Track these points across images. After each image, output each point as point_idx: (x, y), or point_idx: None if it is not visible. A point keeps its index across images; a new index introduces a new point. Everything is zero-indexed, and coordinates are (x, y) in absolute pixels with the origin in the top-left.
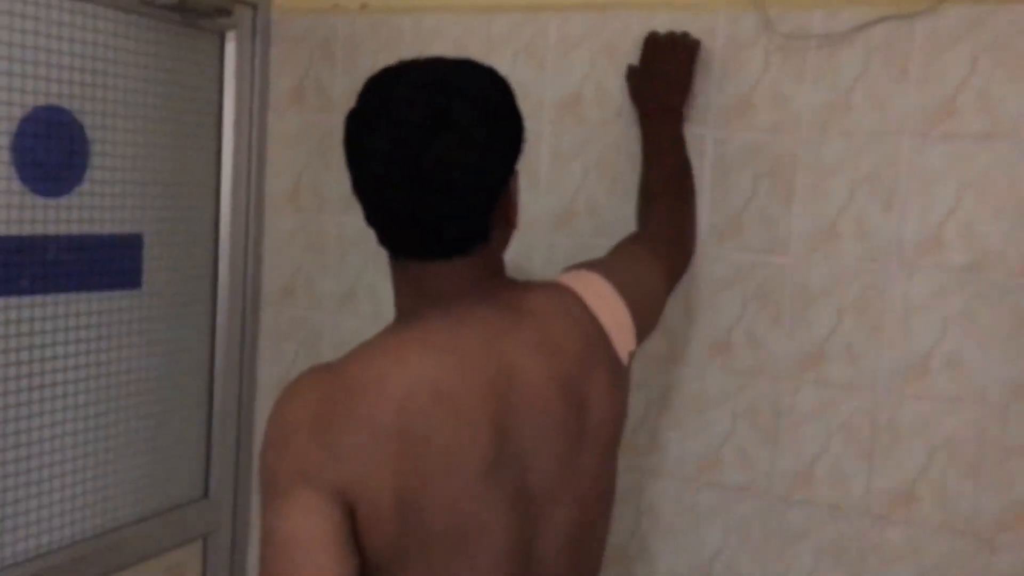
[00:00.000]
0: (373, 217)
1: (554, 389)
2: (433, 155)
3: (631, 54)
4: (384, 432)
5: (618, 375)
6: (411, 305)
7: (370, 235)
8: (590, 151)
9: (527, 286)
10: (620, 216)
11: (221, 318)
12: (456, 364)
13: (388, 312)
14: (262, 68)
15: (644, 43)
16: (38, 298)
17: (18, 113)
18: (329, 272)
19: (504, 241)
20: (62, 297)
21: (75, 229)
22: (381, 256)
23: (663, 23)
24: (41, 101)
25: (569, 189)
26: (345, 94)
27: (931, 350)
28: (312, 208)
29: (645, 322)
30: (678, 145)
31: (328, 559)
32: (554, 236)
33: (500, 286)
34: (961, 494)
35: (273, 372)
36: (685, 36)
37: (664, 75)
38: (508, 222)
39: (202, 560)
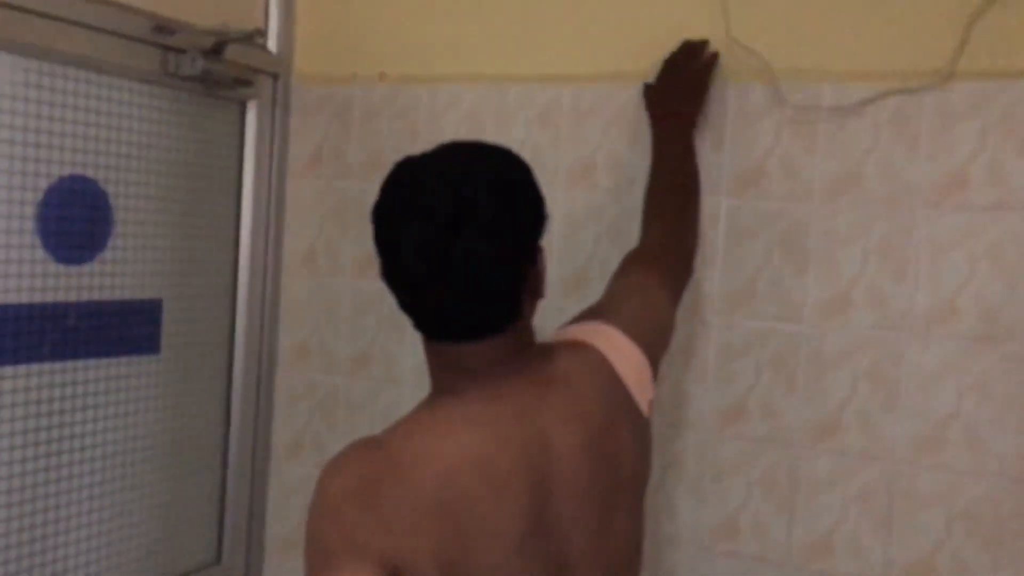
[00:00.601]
0: (405, 306)
1: (585, 455)
2: (460, 248)
3: (642, 124)
4: (427, 505)
5: (640, 428)
6: (447, 381)
7: (384, 299)
8: (603, 218)
9: (553, 351)
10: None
11: (236, 381)
12: (493, 437)
13: (400, 375)
14: (282, 136)
15: (664, 60)
16: (58, 364)
17: (44, 184)
18: (343, 335)
19: (532, 313)
20: (81, 363)
21: (96, 296)
22: (394, 320)
23: None
24: (67, 171)
25: (582, 255)
26: (362, 160)
27: (947, 420)
28: (327, 272)
29: (659, 355)
30: (687, 150)
31: None
32: (566, 300)
33: (531, 356)
34: (980, 565)
35: (287, 435)
36: (704, 45)
37: (679, 84)
38: (536, 294)
39: None
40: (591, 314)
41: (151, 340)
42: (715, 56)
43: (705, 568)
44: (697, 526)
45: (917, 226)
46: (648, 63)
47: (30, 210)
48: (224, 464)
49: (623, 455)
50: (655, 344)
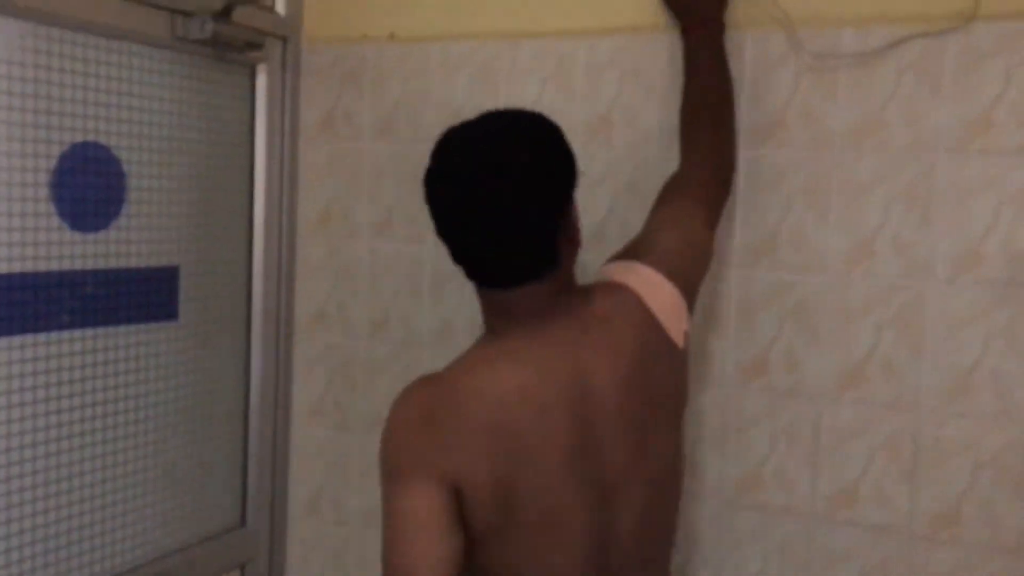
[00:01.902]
0: (458, 257)
1: (621, 385)
2: (499, 201)
3: (658, 77)
4: (482, 429)
5: (675, 359)
6: (497, 325)
7: (401, 261)
8: (620, 174)
9: (592, 294)
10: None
11: (255, 346)
12: (537, 372)
13: (419, 338)
14: (293, 99)
15: None
16: (77, 332)
17: (56, 151)
18: (361, 298)
19: (572, 260)
20: (101, 331)
21: (112, 263)
22: (412, 282)
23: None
24: (79, 138)
25: (600, 211)
26: (374, 121)
27: (974, 367)
28: (343, 235)
29: (697, 282)
30: (719, 59)
31: (438, 533)
32: (586, 255)
33: (570, 300)
34: (1009, 513)
35: (307, 399)
36: None
37: None
38: (573, 243)
39: None
40: (630, 251)
41: (169, 306)
42: None
43: (729, 521)
44: (721, 480)
45: (941, 172)
46: (660, 14)
47: (44, 178)
48: (246, 428)
49: (657, 385)
50: (691, 275)
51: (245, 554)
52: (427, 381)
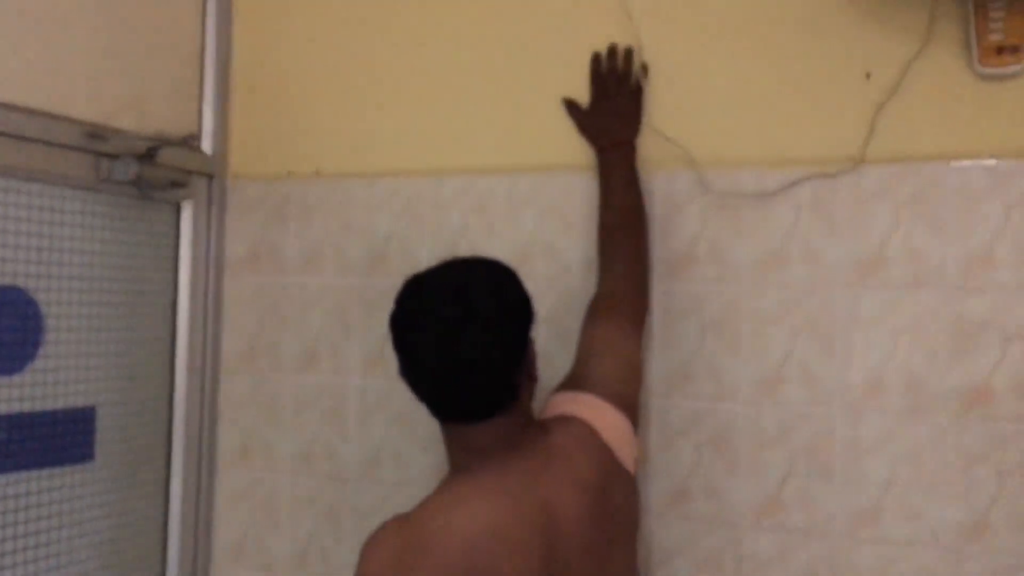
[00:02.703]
0: (423, 395)
1: (584, 517)
2: (466, 344)
3: (575, 212)
4: (454, 571)
5: (629, 485)
6: (462, 460)
7: (326, 394)
8: (542, 305)
9: (549, 427)
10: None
11: (175, 485)
12: (506, 506)
13: (342, 472)
14: (218, 234)
15: (591, 76)
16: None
17: None
18: (285, 433)
19: (530, 394)
20: (13, 476)
21: (27, 407)
22: (338, 416)
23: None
24: None
25: None
26: (299, 255)
27: (883, 493)
28: (267, 369)
29: (636, 399)
30: (633, 181)
31: None
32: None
33: (531, 434)
34: None
35: (229, 538)
36: (629, 64)
37: (616, 112)
38: (532, 378)
39: None
40: (573, 381)
41: (86, 448)
42: (645, 73)
43: None
44: None
45: (840, 304)
46: (577, 154)
47: None
48: (162, 572)
49: (615, 511)
50: (631, 396)
51: None
52: (397, 524)
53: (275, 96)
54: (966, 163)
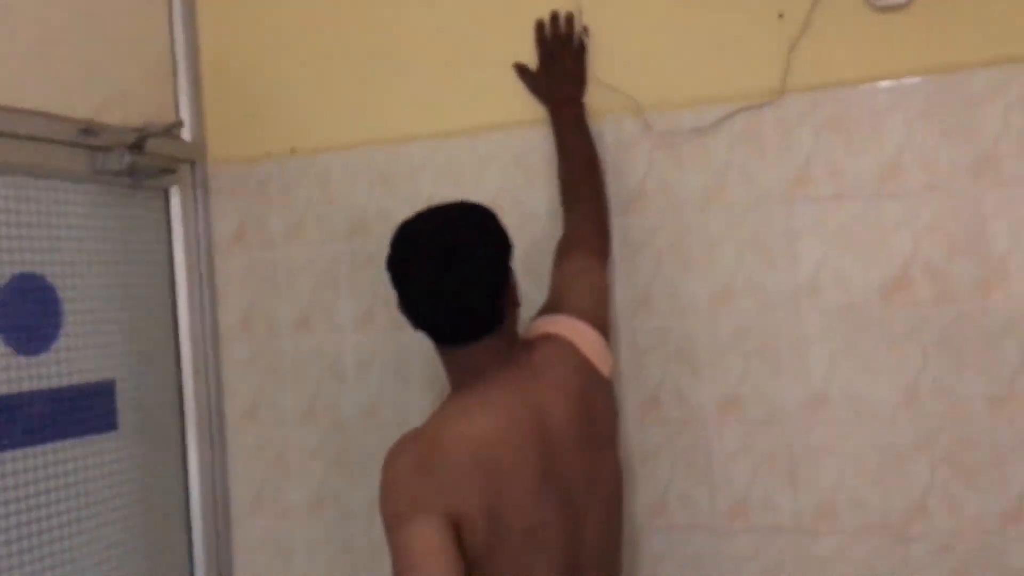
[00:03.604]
0: (420, 324)
1: (573, 418)
2: (455, 276)
3: (536, 165)
4: (467, 468)
5: (607, 390)
6: (460, 379)
7: (322, 352)
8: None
9: (534, 345)
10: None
11: (190, 446)
12: (505, 415)
13: (345, 421)
14: (205, 215)
15: (537, 41)
16: (29, 449)
17: None
18: (288, 392)
19: (515, 318)
20: (49, 447)
21: (55, 383)
22: (334, 372)
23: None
24: (17, 270)
25: None
26: (285, 228)
27: (827, 381)
28: (265, 335)
29: (607, 319)
30: (584, 132)
31: (445, 560)
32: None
33: (518, 351)
34: (872, 497)
35: (246, 491)
36: (571, 28)
37: (563, 72)
38: (514, 304)
39: None
40: (550, 307)
41: (109, 418)
42: (586, 34)
43: (646, 542)
44: (632, 506)
45: (777, 220)
46: (533, 110)
47: None
48: (188, 526)
49: (598, 412)
50: (601, 315)
51: None
52: (414, 436)
53: (246, 81)
54: (870, 86)
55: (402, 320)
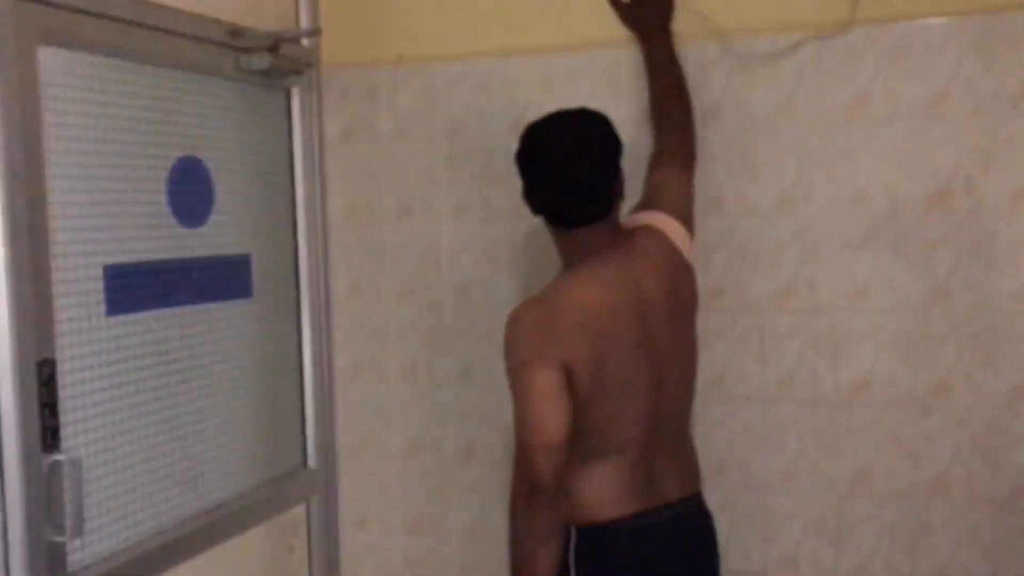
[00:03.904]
0: (544, 207)
1: (664, 295)
2: (579, 167)
3: (623, 81)
4: (579, 328)
5: (690, 273)
6: (573, 257)
7: (421, 240)
8: None
9: (634, 234)
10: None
11: (304, 317)
12: (609, 286)
13: (440, 302)
14: (318, 115)
15: None
16: (189, 308)
17: (169, 164)
18: (388, 273)
19: (619, 210)
20: (202, 307)
21: (210, 252)
22: (432, 257)
23: (638, 56)
24: (182, 153)
25: None
26: (390, 129)
27: (869, 276)
28: (369, 224)
29: (692, 217)
30: (672, 57)
31: (559, 399)
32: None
33: (622, 237)
34: (905, 375)
35: (348, 360)
36: None
37: (652, 2)
38: (620, 196)
39: (306, 517)
40: (646, 204)
41: (246, 286)
42: None
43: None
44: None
45: (837, 138)
46: (618, 31)
47: (162, 185)
48: (301, 386)
49: (683, 291)
50: (688, 213)
51: (309, 490)
52: (535, 301)
53: None
54: (926, 22)
55: (492, 213)
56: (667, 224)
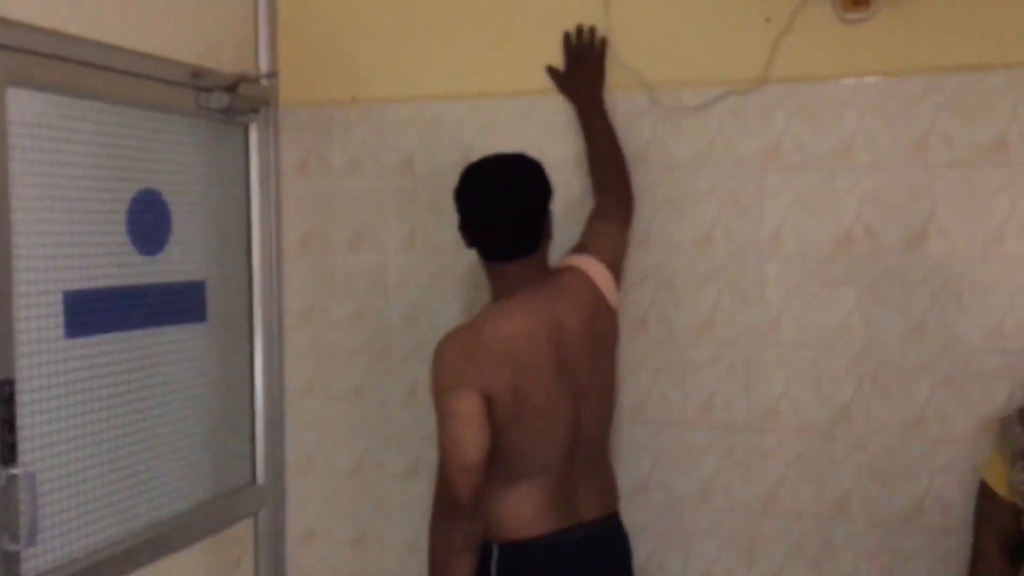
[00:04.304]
0: (476, 241)
1: (583, 329)
2: (509, 205)
3: (560, 126)
4: (499, 356)
5: (611, 314)
6: (500, 290)
7: (370, 269)
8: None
9: (560, 273)
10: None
11: (257, 340)
12: (530, 317)
13: (388, 326)
14: (275, 150)
15: (564, 49)
16: (143, 331)
17: (128, 196)
18: (338, 299)
19: (547, 248)
20: (158, 330)
21: (165, 279)
22: (380, 285)
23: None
24: (141, 186)
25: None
26: (343, 164)
27: (780, 312)
28: (321, 252)
29: (620, 271)
30: (605, 122)
31: (480, 424)
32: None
33: (548, 275)
34: (810, 400)
35: (299, 380)
36: (593, 38)
37: (586, 75)
38: (548, 236)
39: (254, 531)
40: (579, 249)
41: (200, 311)
42: (605, 43)
43: (627, 431)
44: (623, 405)
45: (751, 183)
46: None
47: (122, 216)
48: (252, 405)
49: (601, 331)
50: (616, 264)
51: (256, 505)
52: (460, 330)
53: (315, 37)
54: (834, 82)
55: (438, 245)
56: (593, 267)
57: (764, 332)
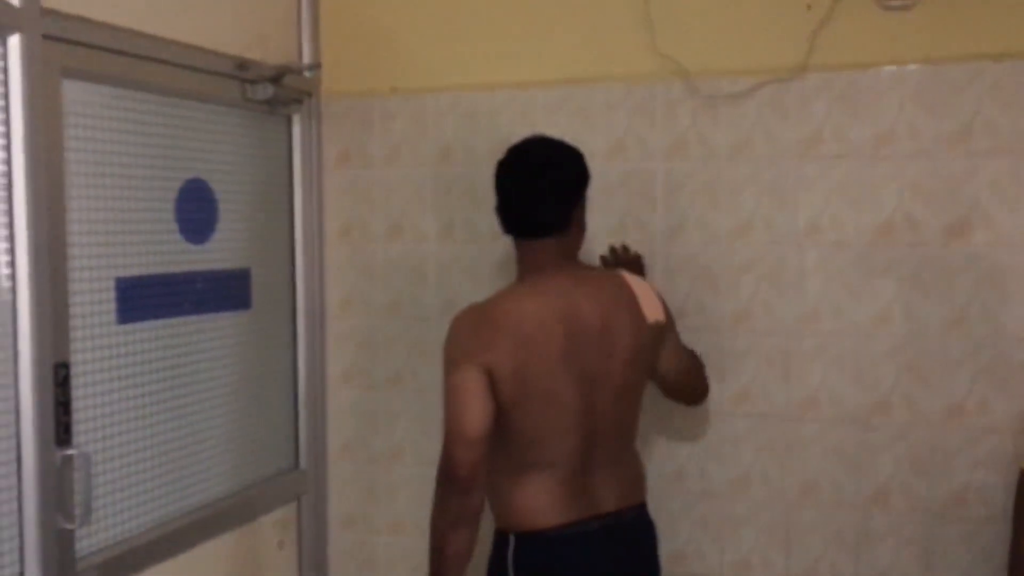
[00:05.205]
0: (509, 220)
1: (597, 319)
2: (542, 180)
3: (595, 115)
4: (508, 336)
5: (639, 323)
6: (524, 270)
7: (409, 258)
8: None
9: (592, 268)
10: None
11: (299, 327)
12: (546, 301)
13: (426, 316)
14: (317, 140)
15: (602, 261)
16: (192, 318)
17: (177, 185)
18: (377, 288)
19: (578, 236)
20: (206, 317)
21: (212, 266)
22: (419, 273)
23: (618, 93)
24: (190, 175)
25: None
26: (383, 154)
27: (819, 302)
28: (361, 241)
29: (672, 321)
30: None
31: (481, 399)
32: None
33: (571, 263)
34: (848, 391)
35: (339, 367)
36: (627, 251)
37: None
38: (580, 226)
39: (297, 515)
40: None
41: (245, 298)
42: (639, 256)
43: (677, 422)
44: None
45: (790, 172)
46: (593, 70)
47: (170, 205)
48: (295, 391)
49: (619, 328)
50: (669, 312)
51: (300, 489)
52: (473, 307)
53: (357, 29)
54: (875, 70)
55: (476, 234)
56: (640, 284)
57: (803, 322)
